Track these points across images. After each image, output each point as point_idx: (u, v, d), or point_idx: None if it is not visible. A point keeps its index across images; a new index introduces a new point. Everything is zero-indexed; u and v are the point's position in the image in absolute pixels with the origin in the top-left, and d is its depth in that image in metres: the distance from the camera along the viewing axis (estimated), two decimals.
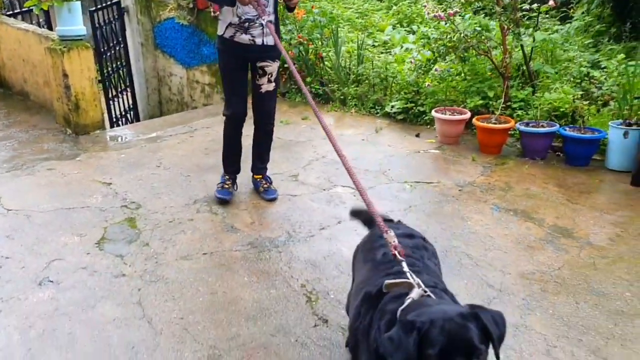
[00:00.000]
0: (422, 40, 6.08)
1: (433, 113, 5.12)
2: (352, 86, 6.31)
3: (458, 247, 3.35)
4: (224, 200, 3.89)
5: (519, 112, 5.01)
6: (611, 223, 3.62)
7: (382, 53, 7.12)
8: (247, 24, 3.54)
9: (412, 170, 4.58)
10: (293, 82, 6.80)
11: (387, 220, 2.14)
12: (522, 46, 5.15)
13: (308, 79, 6.59)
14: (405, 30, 8.02)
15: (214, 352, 2.44)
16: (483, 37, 5.08)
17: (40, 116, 5.93)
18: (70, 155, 4.88)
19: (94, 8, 6.91)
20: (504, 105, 5.04)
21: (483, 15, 6.32)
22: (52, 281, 2.97)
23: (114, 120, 7.48)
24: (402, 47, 7.20)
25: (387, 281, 1.62)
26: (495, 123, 4.78)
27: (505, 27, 5.00)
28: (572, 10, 7.06)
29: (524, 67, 5.36)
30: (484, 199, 4.00)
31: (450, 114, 5.07)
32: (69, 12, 5.07)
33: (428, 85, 5.37)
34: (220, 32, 3.65)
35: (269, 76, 3.73)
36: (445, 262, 3.18)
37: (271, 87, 3.77)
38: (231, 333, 2.57)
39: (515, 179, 4.34)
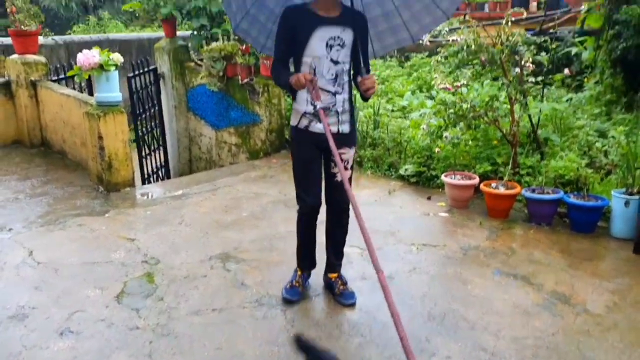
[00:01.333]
0: (438, 106, 6.38)
1: (443, 177, 5.33)
2: (369, 149, 6.60)
3: (456, 310, 3.49)
4: (290, 300, 3.56)
5: (527, 179, 5.18)
6: (609, 290, 3.71)
7: (400, 117, 7.42)
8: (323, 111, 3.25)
9: (421, 232, 4.76)
10: None
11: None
12: (529, 116, 5.37)
13: None
14: (424, 95, 8.35)
15: None
16: (492, 107, 5.32)
17: (76, 173, 6.37)
18: (101, 211, 5.23)
19: (132, 74, 7.47)
20: (512, 171, 5.22)
21: (491, 81, 6.61)
22: (72, 332, 3.22)
23: (146, 177, 7.91)
24: (419, 112, 7.49)
25: None
26: (502, 189, 4.95)
27: (513, 97, 5.24)
28: (586, 80, 7.29)
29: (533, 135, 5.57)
30: (487, 263, 4.14)
31: (459, 179, 5.27)
32: (107, 81, 5.55)
33: (438, 151, 5.61)
34: (294, 122, 3.43)
35: (345, 163, 3.44)
36: (442, 325, 3.33)
37: (347, 174, 3.45)
38: None
39: (519, 243, 4.47)
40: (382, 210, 5.24)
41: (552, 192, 4.80)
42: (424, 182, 5.93)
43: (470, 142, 5.88)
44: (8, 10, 6.79)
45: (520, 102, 5.31)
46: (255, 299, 3.61)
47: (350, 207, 3.35)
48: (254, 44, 3.73)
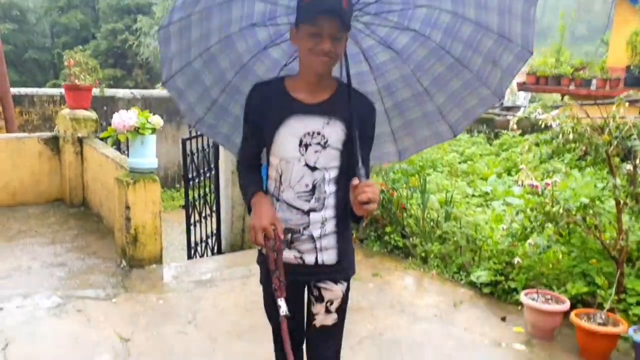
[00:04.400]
0: (526, 196, 5.27)
1: (522, 297, 4.18)
2: (436, 243, 5.55)
3: None
4: None
5: (637, 310, 3.92)
6: None
7: (480, 205, 6.35)
8: (289, 235, 2.23)
9: None
10: (373, 229, 6.19)
11: None
12: None
13: (388, 229, 5.96)
14: (512, 179, 7.21)
15: None
16: (593, 211, 4.18)
17: (105, 242, 5.83)
18: (110, 294, 4.56)
19: (187, 137, 6.99)
20: (616, 298, 3.99)
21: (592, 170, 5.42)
22: None
23: (193, 245, 7.29)
24: (503, 201, 6.38)
25: None
26: (601, 323, 3.74)
27: (622, 202, 4.08)
28: None
29: None
30: None
31: (544, 301, 4.11)
32: (142, 144, 5.02)
33: (518, 261, 4.45)
34: None
35: (328, 304, 2.33)
36: None
37: (329, 320, 2.34)
38: None
39: None
40: (441, 332, 4.17)
41: None
42: (500, 294, 4.77)
43: (561, 249, 4.68)
44: (65, 63, 6.60)
45: (631, 209, 4.12)
46: None
47: None
48: (221, 140, 2.69)
